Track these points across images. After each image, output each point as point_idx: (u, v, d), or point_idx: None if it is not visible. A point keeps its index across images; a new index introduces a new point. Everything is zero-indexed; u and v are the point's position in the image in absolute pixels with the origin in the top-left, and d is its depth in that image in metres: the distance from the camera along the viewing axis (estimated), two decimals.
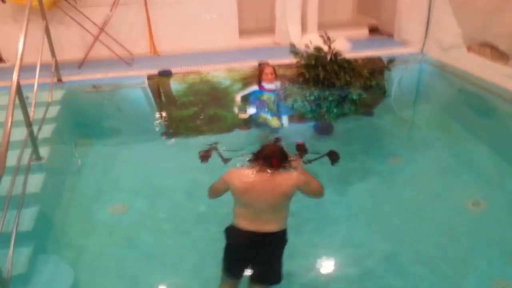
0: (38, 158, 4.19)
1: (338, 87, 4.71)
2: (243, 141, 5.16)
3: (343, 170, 4.42)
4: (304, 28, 7.27)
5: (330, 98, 4.71)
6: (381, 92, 5.30)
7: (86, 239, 3.71)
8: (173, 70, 5.87)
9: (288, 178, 2.82)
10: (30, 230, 3.49)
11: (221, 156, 3.35)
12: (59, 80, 5.59)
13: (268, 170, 2.80)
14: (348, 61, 4.82)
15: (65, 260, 3.44)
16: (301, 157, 3.27)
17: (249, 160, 3.07)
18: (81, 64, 6.31)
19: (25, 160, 3.94)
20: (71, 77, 5.78)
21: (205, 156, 3.37)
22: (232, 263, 2.87)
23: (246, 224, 2.81)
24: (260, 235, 2.79)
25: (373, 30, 8.11)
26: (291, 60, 5.41)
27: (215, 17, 7.11)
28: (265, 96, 5.05)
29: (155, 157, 5.10)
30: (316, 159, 3.31)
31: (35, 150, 4.14)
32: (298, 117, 5.25)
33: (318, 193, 2.99)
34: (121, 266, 3.39)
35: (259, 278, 2.81)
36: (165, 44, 7.08)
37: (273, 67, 5.18)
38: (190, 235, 3.67)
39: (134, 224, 3.84)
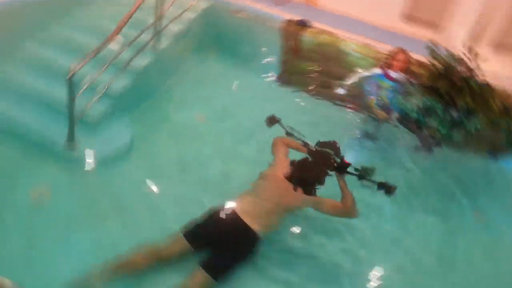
0: (156, 47, 4.65)
1: (459, 108, 4.10)
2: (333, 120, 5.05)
3: (418, 202, 4.09)
4: (473, 38, 6.39)
5: (441, 115, 4.17)
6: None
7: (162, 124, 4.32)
8: (314, 23, 5.78)
9: (294, 195, 2.98)
10: (120, 94, 3.99)
11: (285, 128, 3.37)
12: None
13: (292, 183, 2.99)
14: (479, 84, 4.09)
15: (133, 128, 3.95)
16: (342, 174, 3.10)
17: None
18: None
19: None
20: None
21: (271, 120, 3.41)
22: (198, 229, 2.87)
23: (239, 206, 2.92)
24: (240, 221, 2.83)
25: None
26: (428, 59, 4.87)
27: None
28: (386, 84, 4.72)
29: (256, 92, 5.41)
30: (363, 178, 3.07)
31: (156, 38, 4.58)
32: (403, 119, 4.82)
33: (339, 213, 3.05)
34: None
35: (203, 263, 2.72)
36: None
37: (409, 57, 4.77)
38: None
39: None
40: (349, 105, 5.32)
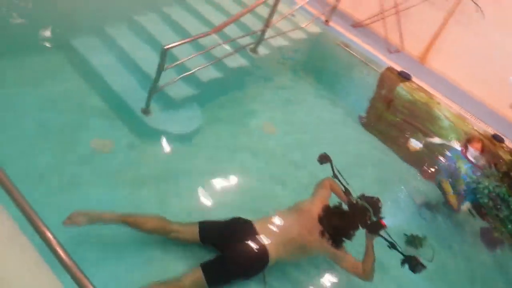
0: (255, 51, 4.88)
1: None
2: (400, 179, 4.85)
3: None
4: None
5: (508, 210, 3.80)
6: None
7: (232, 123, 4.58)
8: (415, 79, 5.65)
9: (318, 237, 2.94)
10: (207, 83, 4.33)
11: (333, 170, 3.34)
12: (326, 21, 6.10)
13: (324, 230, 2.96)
14: None
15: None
16: (372, 234, 3.02)
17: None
18: (357, 25, 6.67)
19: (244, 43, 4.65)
20: (335, 25, 6.23)
21: (324, 158, 3.41)
22: (216, 228, 2.92)
23: (262, 225, 2.94)
24: (257, 240, 2.83)
25: None
26: None
27: (502, 74, 6.25)
28: (463, 166, 4.47)
29: (335, 126, 5.39)
30: (393, 247, 2.93)
31: (257, 44, 4.81)
32: (479, 209, 4.48)
33: (354, 273, 3.01)
34: None
35: (204, 264, 2.71)
36: (437, 61, 6.75)
37: (485, 144, 4.50)
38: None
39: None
40: (422, 170, 5.09)
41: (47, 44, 4.29)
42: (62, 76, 4.07)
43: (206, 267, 2.66)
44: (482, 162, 4.34)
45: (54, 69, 4.11)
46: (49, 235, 1.48)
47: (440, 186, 4.58)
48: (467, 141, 4.55)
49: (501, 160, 4.11)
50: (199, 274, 2.62)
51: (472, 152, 4.44)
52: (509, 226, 3.91)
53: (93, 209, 2.72)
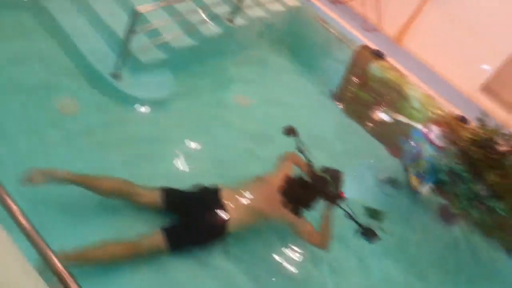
0: (231, 21, 4.83)
1: (486, 184, 3.92)
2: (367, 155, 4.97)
3: (413, 267, 3.95)
4: None
5: (467, 185, 3.98)
6: None
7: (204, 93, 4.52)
8: (388, 59, 5.72)
9: (279, 207, 2.96)
10: (180, 50, 4.25)
11: (297, 143, 3.36)
12: None
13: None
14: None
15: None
16: (331, 205, 3.11)
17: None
18: (336, 1, 6.66)
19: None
20: (315, 0, 6.19)
21: (289, 131, 3.42)
22: (179, 194, 2.96)
23: (226, 194, 3.01)
24: (219, 205, 2.90)
25: None
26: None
27: (474, 59, 6.38)
28: (424, 145, 4.61)
29: (307, 100, 5.46)
30: (354, 219, 3.05)
31: (234, 13, 4.76)
32: (440, 187, 4.65)
33: (310, 242, 3.11)
34: None
35: (166, 228, 2.73)
36: (413, 41, 6.80)
37: (449, 125, 4.66)
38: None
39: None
40: (389, 147, 5.23)
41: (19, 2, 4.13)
42: (32, 36, 3.96)
43: (167, 231, 2.70)
44: (444, 143, 4.47)
45: (24, 28, 3.99)
46: (9, 201, 1.46)
47: (405, 169, 4.72)
48: (432, 123, 4.67)
49: (462, 140, 4.25)
50: (159, 237, 2.66)
51: (436, 134, 4.56)
52: (464, 202, 4.08)
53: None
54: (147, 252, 2.63)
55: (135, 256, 2.61)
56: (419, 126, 4.77)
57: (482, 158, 3.94)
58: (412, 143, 4.71)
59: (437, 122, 4.67)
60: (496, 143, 4.03)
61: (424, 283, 3.88)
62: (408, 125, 4.95)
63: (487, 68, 6.32)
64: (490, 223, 3.97)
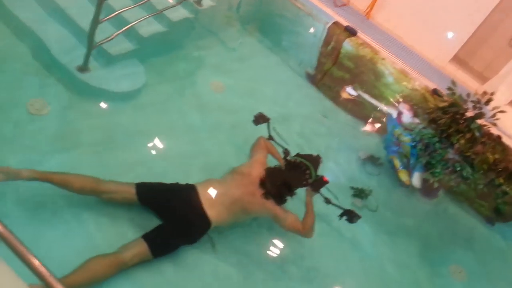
0: (199, 3, 4.65)
1: (455, 149, 4.02)
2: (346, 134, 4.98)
3: (396, 241, 3.98)
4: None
5: (437, 156, 4.05)
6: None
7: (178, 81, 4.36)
8: (360, 35, 5.69)
9: (262, 202, 2.87)
10: (147, 38, 4.06)
11: (268, 131, 3.26)
12: None
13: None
14: (482, 131, 4.04)
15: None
16: (314, 191, 3.09)
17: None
18: None
19: None
20: None
21: (259, 118, 3.32)
22: (154, 189, 2.82)
23: (203, 188, 2.83)
24: (199, 207, 2.75)
25: None
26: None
27: (443, 31, 6.44)
28: (399, 132, 4.63)
29: (282, 82, 5.33)
30: (333, 204, 3.03)
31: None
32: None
33: (294, 231, 2.98)
34: None
35: (147, 236, 2.60)
36: (383, 15, 6.80)
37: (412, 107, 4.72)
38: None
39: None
40: (367, 125, 5.24)
41: None
42: None
43: (149, 238, 2.57)
44: (415, 123, 4.52)
45: None
46: None
47: (391, 164, 4.68)
48: (403, 101, 4.71)
49: (430, 110, 4.31)
50: (143, 246, 2.53)
51: (406, 117, 4.61)
52: (438, 170, 4.14)
53: None
54: (132, 263, 2.51)
55: (120, 269, 2.50)
56: (390, 109, 4.78)
57: (450, 124, 4.01)
58: (390, 136, 4.70)
59: (404, 107, 4.70)
60: (463, 108, 4.11)
61: (406, 255, 3.94)
62: (382, 101, 4.95)
63: (457, 39, 6.39)
64: (467, 191, 4.09)
